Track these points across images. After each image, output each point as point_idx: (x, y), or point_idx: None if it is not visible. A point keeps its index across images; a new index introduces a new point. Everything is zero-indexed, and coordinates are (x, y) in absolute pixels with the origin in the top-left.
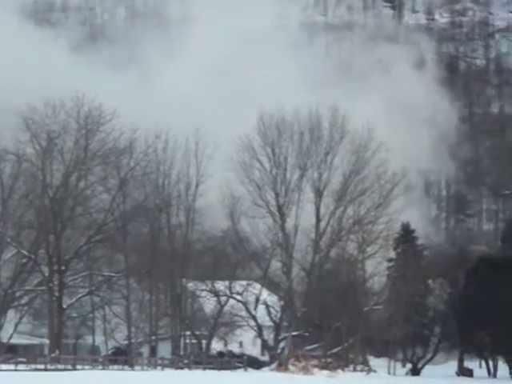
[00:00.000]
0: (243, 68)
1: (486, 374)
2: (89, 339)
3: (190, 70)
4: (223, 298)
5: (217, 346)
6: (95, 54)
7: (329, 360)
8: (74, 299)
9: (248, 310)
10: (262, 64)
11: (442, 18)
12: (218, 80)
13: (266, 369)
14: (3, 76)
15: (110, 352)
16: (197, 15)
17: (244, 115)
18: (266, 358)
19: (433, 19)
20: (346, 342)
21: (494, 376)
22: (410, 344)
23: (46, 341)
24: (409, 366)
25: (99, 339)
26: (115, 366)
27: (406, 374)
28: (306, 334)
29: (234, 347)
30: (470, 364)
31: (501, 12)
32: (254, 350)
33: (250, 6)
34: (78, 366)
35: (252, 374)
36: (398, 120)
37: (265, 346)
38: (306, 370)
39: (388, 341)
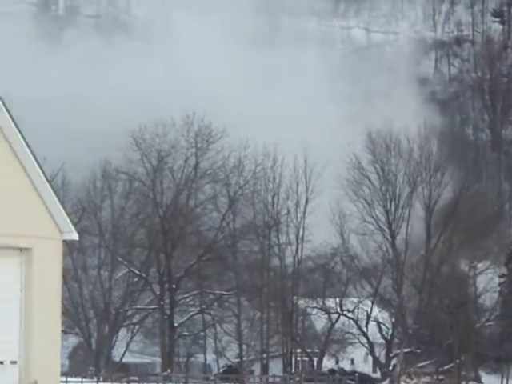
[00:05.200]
0: (351, 85)
1: None
2: (200, 357)
3: (297, 90)
4: (334, 316)
5: (328, 363)
6: None
7: (441, 377)
8: (185, 318)
9: (359, 327)
10: (370, 80)
11: None
12: (326, 97)
13: None
14: (114, 96)
15: (221, 370)
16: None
17: (352, 132)
18: (377, 375)
19: None
20: (458, 358)
21: None
22: None
23: (158, 359)
24: None
25: (210, 357)
26: None
27: None
28: (418, 351)
29: (345, 364)
30: None
31: None
32: (365, 367)
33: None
34: None
35: None
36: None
37: (376, 363)
38: None
39: (501, 357)
